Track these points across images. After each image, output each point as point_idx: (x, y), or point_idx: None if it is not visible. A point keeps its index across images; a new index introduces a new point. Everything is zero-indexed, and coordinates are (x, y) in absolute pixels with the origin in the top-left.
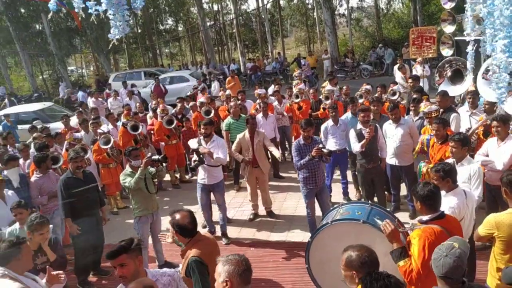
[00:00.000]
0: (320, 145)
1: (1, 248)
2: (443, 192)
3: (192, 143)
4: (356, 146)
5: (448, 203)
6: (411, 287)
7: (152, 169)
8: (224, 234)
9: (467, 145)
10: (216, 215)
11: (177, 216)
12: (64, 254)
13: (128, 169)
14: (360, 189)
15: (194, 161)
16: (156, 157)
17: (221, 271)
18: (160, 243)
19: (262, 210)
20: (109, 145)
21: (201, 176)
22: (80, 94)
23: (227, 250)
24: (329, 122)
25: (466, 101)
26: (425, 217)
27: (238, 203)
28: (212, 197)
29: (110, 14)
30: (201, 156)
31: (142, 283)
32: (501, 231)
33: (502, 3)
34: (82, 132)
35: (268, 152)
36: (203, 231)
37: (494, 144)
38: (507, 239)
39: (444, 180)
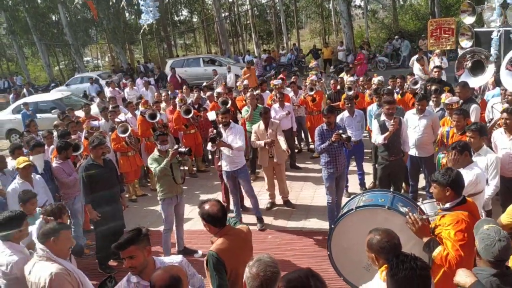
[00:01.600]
0: (340, 131)
1: (44, 228)
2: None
3: (211, 115)
4: (379, 138)
5: (467, 177)
6: (447, 271)
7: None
8: (259, 219)
9: (485, 134)
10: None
11: (206, 206)
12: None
13: (156, 153)
14: (377, 181)
15: (212, 134)
16: (182, 149)
17: (245, 280)
18: (183, 229)
19: (279, 200)
20: (127, 134)
21: (224, 164)
22: (91, 87)
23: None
24: (345, 113)
25: (499, 92)
26: (447, 204)
27: (256, 192)
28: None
29: (140, 0)
30: (218, 129)
31: (170, 272)
32: None
33: None
34: (102, 121)
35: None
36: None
37: (503, 136)
38: None
39: (462, 154)
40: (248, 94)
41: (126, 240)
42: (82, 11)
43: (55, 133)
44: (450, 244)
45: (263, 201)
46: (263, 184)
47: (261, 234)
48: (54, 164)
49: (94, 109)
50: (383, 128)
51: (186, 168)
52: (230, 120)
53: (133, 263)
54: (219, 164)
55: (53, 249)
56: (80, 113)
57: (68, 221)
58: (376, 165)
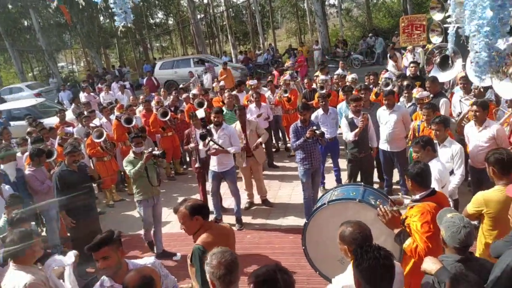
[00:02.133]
0: (314, 127)
1: (14, 241)
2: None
3: (200, 113)
4: (349, 135)
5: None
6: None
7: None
8: (238, 220)
9: (448, 126)
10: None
11: (189, 201)
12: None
13: (131, 155)
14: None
15: (202, 132)
16: (156, 152)
17: (211, 278)
18: (161, 231)
19: (257, 199)
20: (102, 139)
21: (213, 163)
22: (63, 94)
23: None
24: (319, 111)
25: (459, 86)
26: (417, 196)
27: None
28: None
29: (111, 2)
30: (208, 128)
31: (142, 273)
32: (490, 207)
33: None
34: (78, 126)
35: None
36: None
37: (473, 128)
38: (495, 215)
39: (425, 149)
40: (226, 95)
41: (99, 241)
42: (55, 15)
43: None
44: (418, 237)
45: (242, 201)
46: (242, 184)
47: (240, 234)
48: (27, 172)
49: (69, 115)
50: (352, 125)
51: (164, 169)
52: (223, 120)
53: (107, 263)
54: (196, 165)
55: (30, 260)
56: (55, 119)
57: (39, 229)
58: (347, 162)
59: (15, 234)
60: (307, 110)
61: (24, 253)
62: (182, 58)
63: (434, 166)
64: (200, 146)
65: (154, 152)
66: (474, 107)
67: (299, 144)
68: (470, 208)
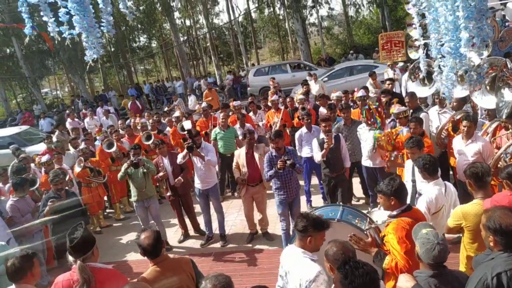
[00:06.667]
0: (285, 157)
1: (15, 264)
2: (425, 182)
3: (186, 124)
4: (317, 156)
5: (428, 192)
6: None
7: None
8: (222, 237)
9: (423, 147)
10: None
11: (142, 236)
12: None
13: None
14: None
15: (188, 143)
16: (135, 160)
17: None
18: (163, 227)
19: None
20: (113, 149)
21: (197, 181)
22: (43, 122)
23: (214, 261)
24: (303, 129)
25: (434, 101)
26: (394, 212)
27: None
28: None
29: (83, 37)
30: (194, 139)
31: (136, 287)
32: (468, 221)
33: (445, 10)
34: (69, 152)
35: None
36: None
37: (460, 142)
38: (473, 228)
39: (420, 150)
40: (222, 114)
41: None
42: (37, 42)
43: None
44: (396, 253)
45: (229, 222)
46: (229, 204)
47: (229, 256)
48: (9, 202)
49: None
50: (322, 145)
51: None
52: (202, 141)
53: None
54: (168, 194)
55: (32, 281)
56: (39, 147)
57: None
58: (321, 182)
59: (15, 258)
60: (279, 137)
61: (26, 276)
62: (278, 63)
63: (431, 190)
64: (180, 158)
65: (133, 161)
66: (466, 122)
67: (270, 175)
68: (450, 222)
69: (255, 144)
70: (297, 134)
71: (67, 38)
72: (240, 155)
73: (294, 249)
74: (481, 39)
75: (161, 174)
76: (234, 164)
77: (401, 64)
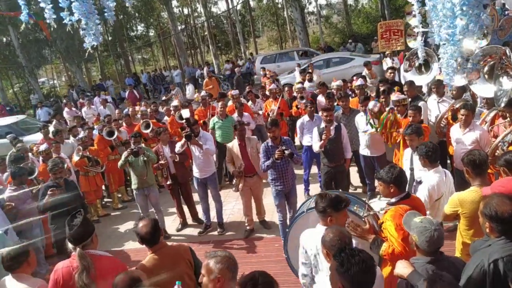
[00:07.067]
0: (283, 147)
1: (10, 254)
2: (426, 170)
3: (185, 113)
4: (316, 146)
5: (429, 180)
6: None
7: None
8: (220, 225)
9: (421, 134)
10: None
11: (140, 224)
12: None
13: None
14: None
15: (186, 131)
16: (134, 149)
17: (213, 268)
18: (162, 220)
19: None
20: (114, 137)
21: (195, 170)
22: (41, 111)
23: (212, 249)
24: (305, 118)
25: (432, 90)
26: (393, 199)
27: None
28: None
29: (83, 23)
30: (192, 128)
31: (131, 275)
32: (464, 208)
33: None
34: (68, 141)
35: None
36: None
37: (458, 131)
38: (469, 215)
39: (419, 138)
40: (220, 103)
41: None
42: (34, 31)
43: (7, 159)
44: (394, 240)
45: (227, 211)
46: (227, 193)
47: (227, 244)
48: (7, 191)
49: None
50: (322, 135)
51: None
52: (200, 129)
53: None
54: (168, 183)
55: (28, 270)
56: (37, 136)
57: None
58: (320, 171)
59: (11, 248)
60: (276, 126)
61: (21, 265)
62: (285, 51)
63: (432, 178)
64: (178, 146)
65: (133, 149)
66: (463, 111)
67: (268, 165)
68: (447, 209)
69: (246, 136)
70: (298, 122)
71: (68, 24)
72: (233, 147)
73: (320, 228)
74: (479, 26)
75: (162, 162)
76: (226, 158)
77: (377, 56)
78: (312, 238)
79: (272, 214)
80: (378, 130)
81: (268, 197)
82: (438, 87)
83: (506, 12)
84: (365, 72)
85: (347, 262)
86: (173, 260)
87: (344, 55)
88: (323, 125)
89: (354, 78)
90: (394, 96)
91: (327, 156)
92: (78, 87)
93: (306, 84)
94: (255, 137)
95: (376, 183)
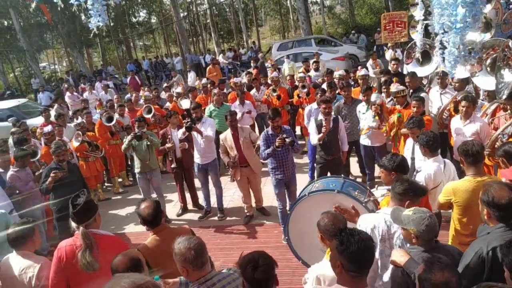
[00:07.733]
0: (284, 135)
1: (17, 231)
2: (425, 159)
3: (185, 103)
4: (314, 139)
5: (427, 169)
6: None
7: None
8: (220, 210)
9: (423, 126)
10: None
11: (142, 205)
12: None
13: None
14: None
15: (187, 121)
16: (138, 133)
17: (176, 260)
18: (163, 201)
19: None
20: (113, 123)
21: (196, 156)
22: (42, 95)
23: (212, 234)
24: (313, 105)
25: (436, 81)
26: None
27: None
28: None
29: (89, 3)
30: (195, 111)
31: (129, 255)
32: (457, 196)
33: None
34: (71, 125)
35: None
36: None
37: (459, 122)
38: (462, 204)
39: (421, 130)
40: (216, 91)
41: None
42: (35, 15)
43: (10, 141)
44: None
45: (227, 198)
46: (226, 180)
47: (226, 230)
48: (10, 172)
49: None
50: (320, 127)
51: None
52: (203, 114)
53: None
54: (172, 166)
55: (32, 248)
56: (38, 120)
57: None
58: (315, 164)
59: (17, 225)
60: (278, 115)
61: (26, 243)
62: (302, 38)
63: (430, 167)
64: (179, 134)
65: (137, 133)
66: (465, 102)
67: (268, 153)
68: (441, 197)
69: (239, 126)
70: (306, 109)
71: (74, 5)
72: (226, 138)
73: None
74: (473, 14)
75: (169, 145)
76: (220, 149)
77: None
78: (383, 218)
79: (272, 201)
80: (383, 129)
81: (268, 185)
82: (442, 78)
83: (511, 6)
84: (369, 62)
85: (347, 241)
86: (174, 241)
87: (312, 50)
88: (320, 117)
89: (359, 68)
90: (393, 87)
91: (324, 149)
92: (80, 72)
93: (312, 73)
94: (247, 126)
95: (377, 172)
